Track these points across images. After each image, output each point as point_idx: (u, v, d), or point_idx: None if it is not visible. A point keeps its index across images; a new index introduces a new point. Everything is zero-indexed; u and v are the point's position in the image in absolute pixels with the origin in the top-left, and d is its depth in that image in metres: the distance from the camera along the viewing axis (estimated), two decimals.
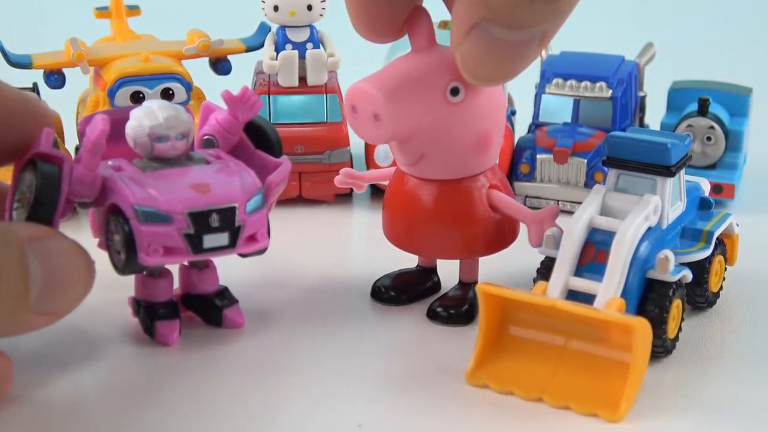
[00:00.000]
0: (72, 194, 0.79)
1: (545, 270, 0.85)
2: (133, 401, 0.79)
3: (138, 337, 0.86)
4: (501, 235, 0.88)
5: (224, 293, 0.88)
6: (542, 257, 0.86)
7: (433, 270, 0.94)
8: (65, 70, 1.12)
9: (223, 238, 0.80)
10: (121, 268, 0.81)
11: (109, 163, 0.82)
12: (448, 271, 0.92)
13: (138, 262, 0.79)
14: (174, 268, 0.87)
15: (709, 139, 1.10)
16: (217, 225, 0.79)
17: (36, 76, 1.14)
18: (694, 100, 1.13)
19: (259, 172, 0.84)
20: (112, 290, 0.86)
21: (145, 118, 0.82)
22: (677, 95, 1.16)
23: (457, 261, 0.91)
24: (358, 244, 0.92)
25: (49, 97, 1.13)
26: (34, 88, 1.14)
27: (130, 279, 0.85)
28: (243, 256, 0.83)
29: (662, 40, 1.26)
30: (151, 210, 0.78)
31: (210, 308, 0.88)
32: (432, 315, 0.89)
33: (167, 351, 0.84)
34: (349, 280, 0.95)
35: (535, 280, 0.85)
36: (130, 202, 0.78)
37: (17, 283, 0.70)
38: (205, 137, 0.87)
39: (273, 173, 0.85)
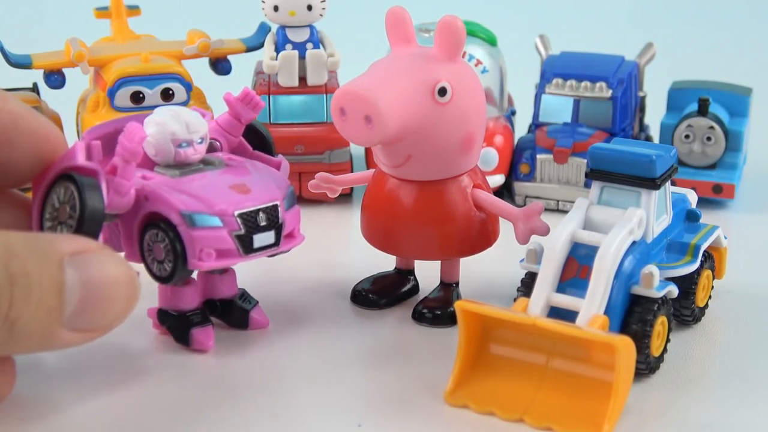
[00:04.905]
0: (108, 206, 0.77)
1: (526, 286, 0.83)
2: (141, 404, 0.79)
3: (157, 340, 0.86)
4: (485, 235, 0.87)
5: (245, 296, 0.88)
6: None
7: (410, 272, 0.94)
8: (65, 70, 1.12)
9: (270, 237, 0.80)
10: (167, 277, 0.80)
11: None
12: (425, 274, 0.92)
13: (188, 268, 0.79)
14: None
15: (709, 139, 1.10)
16: (264, 224, 0.80)
17: (36, 76, 1.13)
18: (694, 100, 1.13)
19: None
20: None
21: (168, 124, 0.81)
22: (677, 95, 1.16)
23: (437, 262, 0.90)
24: (358, 244, 0.91)
25: (49, 97, 1.13)
26: (34, 88, 1.14)
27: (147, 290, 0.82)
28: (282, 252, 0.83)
29: (662, 40, 1.26)
30: (200, 214, 0.78)
31: (234, 311, 0.87)
32: (418, 317, 0.89)
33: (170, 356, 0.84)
34: (348, 280, 0.94)
35: (516, 297, 0.83)
36: (177, 209, 0.78)
37: (51, 296, 0.68)
38: (209, 140, 0.86)
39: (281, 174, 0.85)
